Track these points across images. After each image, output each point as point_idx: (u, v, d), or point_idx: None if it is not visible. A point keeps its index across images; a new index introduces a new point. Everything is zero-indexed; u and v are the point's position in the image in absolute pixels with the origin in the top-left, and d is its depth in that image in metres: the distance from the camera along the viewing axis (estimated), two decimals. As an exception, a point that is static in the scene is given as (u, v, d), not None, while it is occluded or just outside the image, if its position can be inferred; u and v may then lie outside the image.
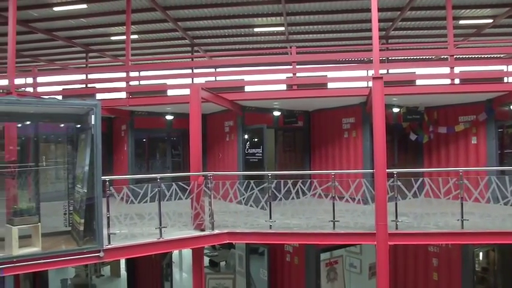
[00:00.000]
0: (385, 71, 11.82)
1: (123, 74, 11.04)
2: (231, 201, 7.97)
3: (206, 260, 12.45)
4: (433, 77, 10.27)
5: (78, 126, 7.16)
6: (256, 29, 16.33)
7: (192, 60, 16.99)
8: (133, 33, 15.63)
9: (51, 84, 12.33)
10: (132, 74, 11.24)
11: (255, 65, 13.22)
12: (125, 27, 12.50)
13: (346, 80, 10.64)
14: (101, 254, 6.16)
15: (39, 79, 11.86)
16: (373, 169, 7.28)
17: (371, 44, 7.95)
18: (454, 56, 10.01)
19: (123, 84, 10.98)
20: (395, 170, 7.22)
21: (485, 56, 17.88)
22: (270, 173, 7.71)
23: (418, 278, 9.82)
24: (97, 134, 6.14)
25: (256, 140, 10.47)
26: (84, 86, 12.79)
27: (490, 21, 14.63)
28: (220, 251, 13.77)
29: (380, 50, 8.70)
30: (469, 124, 10.45)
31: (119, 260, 11.71)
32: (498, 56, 18.16)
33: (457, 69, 10.10)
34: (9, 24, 8.94)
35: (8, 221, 5.92)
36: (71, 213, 7.13)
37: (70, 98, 10.53)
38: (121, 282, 12.37)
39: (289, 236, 7.44)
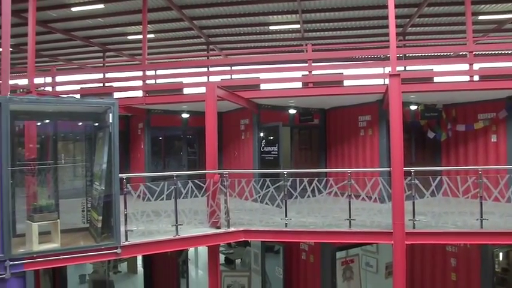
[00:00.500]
0: (402, 68, 11.67)
1: (140, 73, 11.14)
2: (246, 199, 7.98)
3: (222, 258, 12.52)
4: (452, 74, 10.10)
5: (96, 124, 7.26)
6: (271, 27, 16.28)
7: (208, 58, 17.04)
8: (149, 32, 15.75)
9: (70, 84, 12.52)
10: (149, 72, 11.34)
11: (271, 63, 13.19)
12: (141, 26, 12.60)
13: (363, 77, 10.53)
14: (118, 250, 6.24)
15: (58, 78, 12.06)
16: (389, 167, 7.20)
17: (388, 41, 7.87)
18: (473, 53, 9.83)
19: (139, 83, 11.10)
20: (412, 169, 7.12)
21: (506, 52, 17.50)
22: (285, 171, 7.70)
23: (436, 278, 9.69)
24: (114, 132, 6.22)
25: (271, 138, 10.46)
26: (101, 85, 12.95)
27: (511, 16, 14.31)
28: (236, 249, 13.81)
29: (397, 47, 8.60)
30: (488, 122, 10.26)
31: (136, 256, 11.87)
32: (519, 52, 17.76)
33: (476, 66, 9.92)
34: (29, 25, 9.11)
35: (29, 218, 6.04)
36: (89, 210, 7.24)
37: (88, 96, 10.68)
38: (138, 278, 12.50)
39: (304, 234, 7.42)
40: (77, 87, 12.49)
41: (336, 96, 9.87)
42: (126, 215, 6.47)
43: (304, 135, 12.55)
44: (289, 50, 17.58)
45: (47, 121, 7.43)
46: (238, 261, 13.55)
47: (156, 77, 12.54)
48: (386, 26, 8.13)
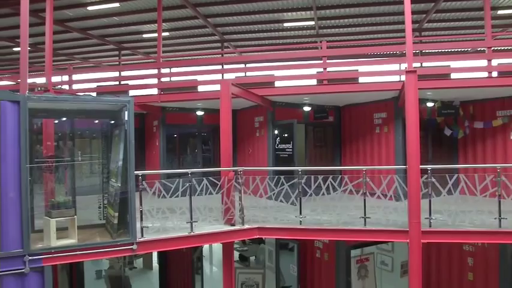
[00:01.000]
0: (418, 65, 11.52)
1: (155, 71, 11.22)
2: (261, 197, 7.98)
3: (236, 255, 12.53)
4: (470, 70, 9.93)
5: (112, 122, 7.34)
6: (286, 24, 16.23)
7: (222, 56, 17.08)
8: (164, 30, 15.86)
9: (86, 82, 12.69)
10: (164, 70, 11.43)
11: (285, 60, 13.15)
12: (156, 24, 12.68)
13: (378, 74, 10.42)
14: (134, 246, 6.30)
15: (75, 77, 12.23)
16: (405, 165, 7.12)
17: (404, 37, 7.77)
18: (492, 48, 9.63)
19: (154, 81, 11.18)
20: (429, 166, 7.03)
21: (526, 47, 17.15)
22: (300, 168, 7.67)
23: (453, 278, 9.55)
24: (130, 130, 6.27)
25: (286, 135, 10.43)
26: (117, 83, 13.10)
27: (531, 10, 14.00)
28: (250, 246, 13.82)
29: (413, 43, 8.48)
30: (507, 119, 10.05)
31: (151, 252, 11.98)
32: (539, 47, 17.36)
33: (495, 62, 9.72)
34: (47, 24, 9.23)
35: (47, 214, 6.15)
36: (105, 206, 7.33)
37: (104, 95, 10.80)
38: (153, 274, 12.62)
39: (319, 232, 7.38)
40: (93, 85, 12.65)
41: (351, 93, 9.79)
42: (141, 211, 6.54)
43: (319, 132, 12.50)
44: (303, 47, 17.52)
45: (64, 119, 7.54)
46: (252, 258, 13.56)
47: (170, 74, 12.65)
48: (402, 22, 8.01)
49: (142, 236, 6.45)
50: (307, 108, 11.61)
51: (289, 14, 15.11)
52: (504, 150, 10.17)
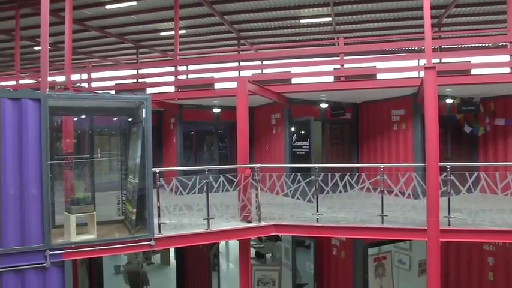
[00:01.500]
0: (437, 61, 11.32)
1: (172, 69, 11.29)
2: (277, 194, 7.97)
3: (252, 252, 12.56)
4: (491, 66, 9.70)
5: (130, 119, 7.43)
6: (302, 21, 16.13)
7: (239, 53, 17.08)
8: (181, 28, 15.93)
9: (104, 80, 12.84)
10: (181, 68, 11.49)
11: (302, 57, 13.07)
12: (173, 22, 12.76)
13: (396, 70, 10.28)
14: (152, 242, 6.38)
15: (93, 75, 12.40)
16: (424, 162, 7.01)
17: (422, 33, 7.65)
18: (514, 43, 9.39)
19: (172, 79, 11.24)
20: (448, 164, 6.91)
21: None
22: (317, 165, 7.63)
23: (472, 277, 9.38)
24: (148, 127, 6.34)
25: (303, 132, 10.39)
26: (135, 80, 13.23)
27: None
28: (267, 243, 13.84)
29: (432, 39, 8.34)
30: (530, 115, 9.84)
31: (169, 248, 12.09)
32: None
33: (517, 57, 9.48)
34: (66, 23, 9.39)
35: (67, 209, 6.27)
36: (123, 202, 7.43)
37: (122, 92, 10.92)
38: (170, 270, 12.74)
39: (336, 230, 7.34)
40: (112, 83, 12.80)
41: (369, 90, 9.69)
42: (159, 208, 6.61)
43: (336, 129, 12.40)
44: (320, 43, 17.39)
45: (83, 116, 7.66)
46: (268, 255, 13.58)
47: (187, 72, 12.70)
48: (421, 17, 7.88)
49: (160, 232, 6.53)
50: (324, 105, 11.54)
51: (306, 10, 15.01)
52: (526, 148, 9.95)
